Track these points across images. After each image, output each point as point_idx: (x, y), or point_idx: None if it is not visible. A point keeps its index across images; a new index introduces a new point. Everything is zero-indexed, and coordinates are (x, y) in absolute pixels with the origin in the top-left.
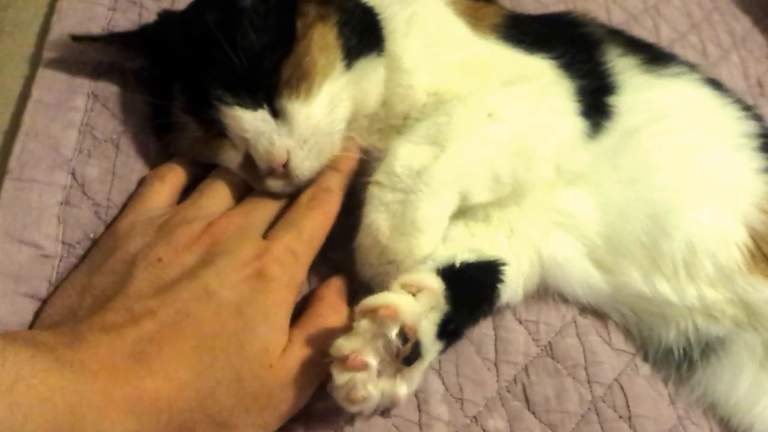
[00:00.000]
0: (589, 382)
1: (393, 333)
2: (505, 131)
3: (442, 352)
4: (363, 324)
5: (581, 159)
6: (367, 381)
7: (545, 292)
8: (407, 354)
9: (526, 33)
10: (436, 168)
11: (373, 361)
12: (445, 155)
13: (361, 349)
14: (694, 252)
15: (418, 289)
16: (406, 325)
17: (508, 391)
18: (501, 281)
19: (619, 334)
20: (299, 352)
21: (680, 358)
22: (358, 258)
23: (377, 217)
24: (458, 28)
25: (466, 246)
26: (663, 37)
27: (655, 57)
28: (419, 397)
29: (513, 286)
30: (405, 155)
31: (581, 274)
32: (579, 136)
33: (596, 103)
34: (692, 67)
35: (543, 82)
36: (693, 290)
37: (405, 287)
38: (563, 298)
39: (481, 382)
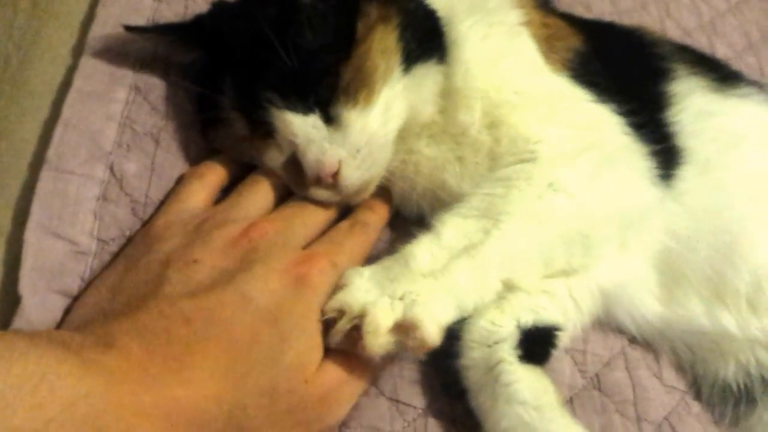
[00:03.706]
0: (637, 420)
1: None
2: (566, 207)
3: None
4: None
5: (653, 227)
6: None
7: (594, 320)
8: None
9: (597, 74)
10: (485, 248)
11: None
12: (497, 232)
13: None
14: (759, 282)
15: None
16: None
17: None
18: (554, 346)
19: (671, 369)
20: (336, 369)
21: (739, 393)
22: (374, 270)
23: (420, 252)
24: (531, 54)
25: (525, 303)
26: (718, 55)
27: (724, 76)
28: (459, 428)
29: (568, 339)
30: (451, 230)
31: (638, 305)
32: (652, 205)
33: (669, 149)
34: (760, 86)
35: (614, 146)
36: (757, 322)
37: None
38: (612, 327)
39: None
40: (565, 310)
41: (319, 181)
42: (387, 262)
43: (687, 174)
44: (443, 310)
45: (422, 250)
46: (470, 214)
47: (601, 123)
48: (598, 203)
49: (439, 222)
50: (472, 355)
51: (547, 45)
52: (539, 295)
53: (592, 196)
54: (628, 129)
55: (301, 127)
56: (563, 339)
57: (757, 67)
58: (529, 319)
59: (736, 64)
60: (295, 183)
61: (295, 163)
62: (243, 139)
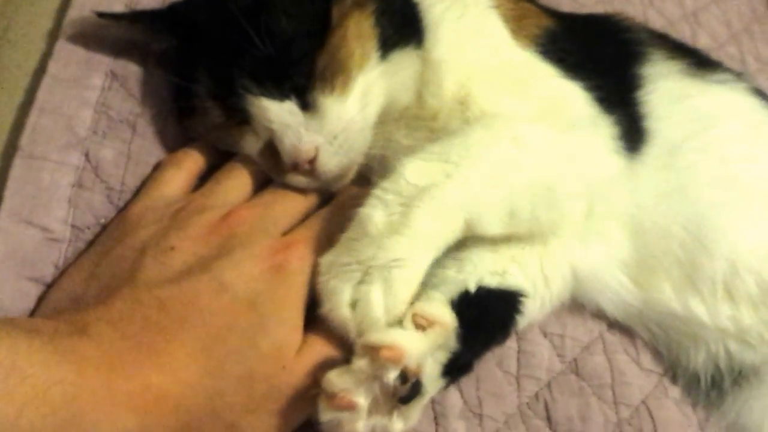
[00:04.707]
0: (615, 403)
1: (392, 376)
2: (530, 159)
3: (446, 387)
4: (361, 363)
5: (619, 198)
6: (355, 420)
7: (572, 305)
8: (405, 394)
9: (566, 51)
10: (444, 186)
11: (362, 402)
12: (457, 174)
13: (352, 389)
14: (736, 270)
15: (429, 323)
16: (408, 368)
17: (530, 408)
18: (519, 312)
19: (648, 353)
20: (314, 354)
21: (708, 385)
22: (337, 250)
23: (373, 212)
24: (499, 32)
25: (488, 267)
26: (701, 45)
27: (701, 62)
28: (436, 410)
29: (536, 311)
30: (412, 172)
31: (612, 288)
32: (616, 175)
33: (635, 127)
34: (738, 75)
35: (578, 116)
36: (728, 311)
37: (416, 319)
38: (590, 312)
39: (502, 397)
40: (534, 283)
41: (296, 168)
42: (348, 234)
43: (657, 153)
44: (417, 263)
45: (374, 206)
46: (431, 158)
47: (565, 96)
48: (560, 160)
49: (400, 164)
50: None
51: (516, 23)
52: (508, 262)
53: (555, 154)
54: (593, 103)
55: (277, 113)
56: (529, 307)
57: (738, 57)
58: (491, 282)
59: (718, 54)
60: (273, 169)
61: (272, 150)
62: (219, 126)
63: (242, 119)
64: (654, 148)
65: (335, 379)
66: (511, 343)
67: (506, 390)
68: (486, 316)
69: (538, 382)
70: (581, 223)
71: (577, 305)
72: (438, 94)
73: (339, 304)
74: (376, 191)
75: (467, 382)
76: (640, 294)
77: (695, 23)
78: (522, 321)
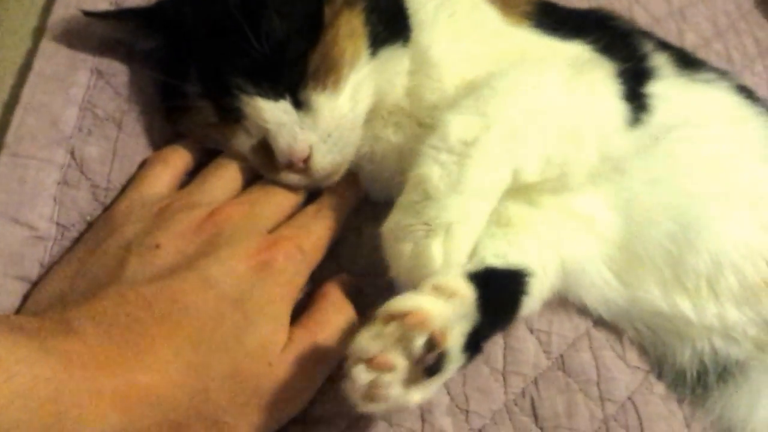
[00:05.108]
0: (601, 399)
1: (420, 341)
2: (552, 105)
3: (463, 367)
4: (388, 328)
5: (622, 145)
6: (391, 383)
7: (559, 301)
8: (430, 363)
9: (560, 21)
10: (488, 140)
11: (400, 363)
12: (496, 127)
13: (387, 350)
14: (719, 266)
15: (450, 294)
16: (435, 333)
17: (516, 405)
18: (526, 293)
19: (634, 350)
20: (300, 351)
21: (693, 381)
22: (393, 217)
23: (429, 170)
24: (490, 19)
25: (489, 250)
26: (687, 42)
27: (686, 60)
28: (423, 406)
29: (537, 297)
30: (457, 127)
31: (598, 285)
32: (621, 120)
33: (635, 89)
34: (723, 73)
35: (584, 62)
36: (714, 308)
37: (437, 290)
38: (577, 309)
39: (488, 393)
40: (535, 264)
41: (290, 166)
42: (407, 197)
43: (649, 129)
44: (477, 219)
45: (430, 165)
46: (469, 112)
47: (567, 53)
48: (577, 104)
49: (443, 120)
50: None
51: (505, 4)
52: (506, 245)
53: (572, 98)
54: (596, 52)
55: (273, 113)
56: (535, 287)
57: (725, 54)
58: (496, 263)
59: (705, 51)
60: (265, 167)
61: (264, 148)
62: (210, 125)
63: (234, 118)
64: (649, 125)
65: (368, 343)
66: (497, 339)
67: (493, 386)
68: (498, 291)
69: (524, 379)
70: (592, 171)
71: (563, 302)
72: (439, 90)
73: (402, 264)
74: (427, 150)
75: (453, 378)
76: (625, 292)
77: (681, 20)
78: (528, 303)
